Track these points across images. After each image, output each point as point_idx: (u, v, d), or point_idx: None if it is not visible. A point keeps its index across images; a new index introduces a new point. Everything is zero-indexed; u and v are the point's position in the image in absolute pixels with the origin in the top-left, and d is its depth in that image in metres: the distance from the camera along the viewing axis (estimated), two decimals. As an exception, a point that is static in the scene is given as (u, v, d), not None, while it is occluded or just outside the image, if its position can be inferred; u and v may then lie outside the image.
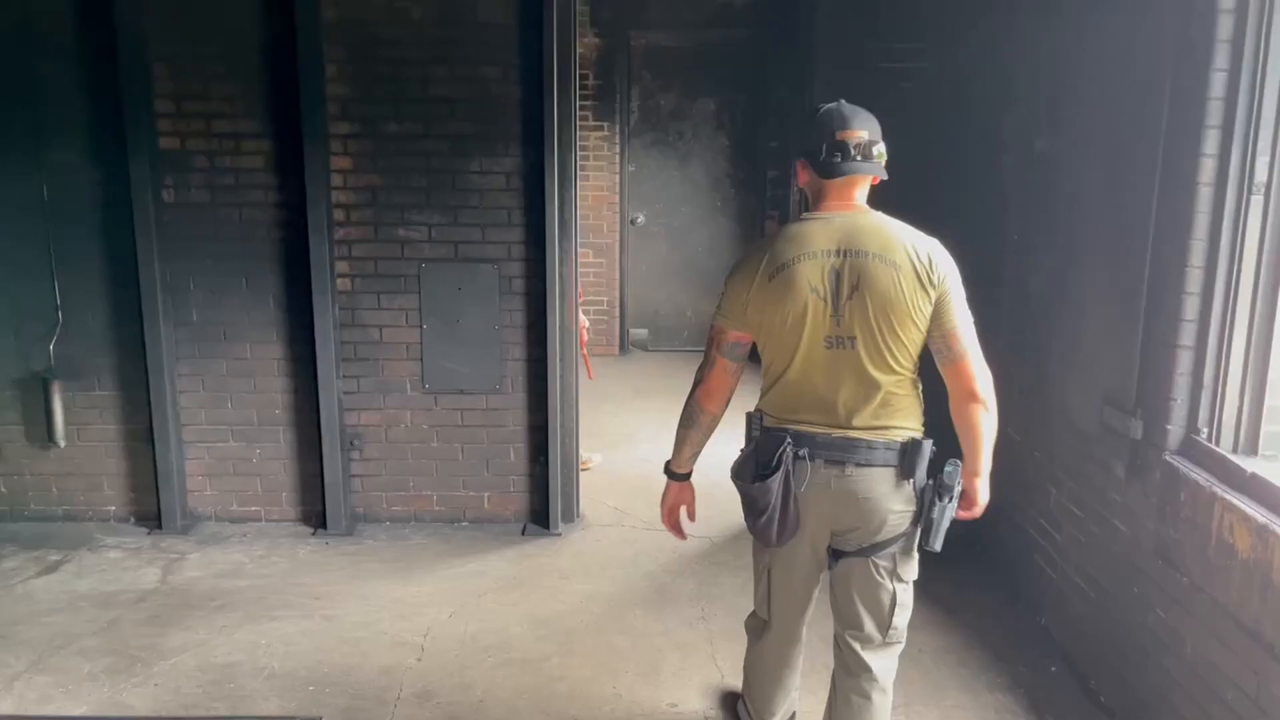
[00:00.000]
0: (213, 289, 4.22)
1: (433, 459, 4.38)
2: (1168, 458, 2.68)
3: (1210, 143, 2.51)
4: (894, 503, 2.25)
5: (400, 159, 4.12)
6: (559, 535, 4.34)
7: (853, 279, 2.16)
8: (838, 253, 2.18)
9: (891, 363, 2.19)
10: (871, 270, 2.15)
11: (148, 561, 4.04)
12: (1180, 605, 2.60)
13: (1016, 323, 3.77)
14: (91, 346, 4.27)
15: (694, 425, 2.43)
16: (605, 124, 7.46)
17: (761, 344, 2.31)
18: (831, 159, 2.19)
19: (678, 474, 2.52)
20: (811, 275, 2.18)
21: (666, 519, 2.56)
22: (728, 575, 3.93)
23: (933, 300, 2.17)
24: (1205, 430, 2.62)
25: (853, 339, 2.18)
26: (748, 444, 2.37)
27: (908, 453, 2.23)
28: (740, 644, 2.81)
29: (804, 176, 2.30)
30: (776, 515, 2.25)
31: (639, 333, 7.91)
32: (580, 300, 4.61)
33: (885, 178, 2.26)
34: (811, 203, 2.31)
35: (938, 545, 2.27)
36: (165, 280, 4.16)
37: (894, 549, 2.29)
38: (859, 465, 2.22)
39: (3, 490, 4.38)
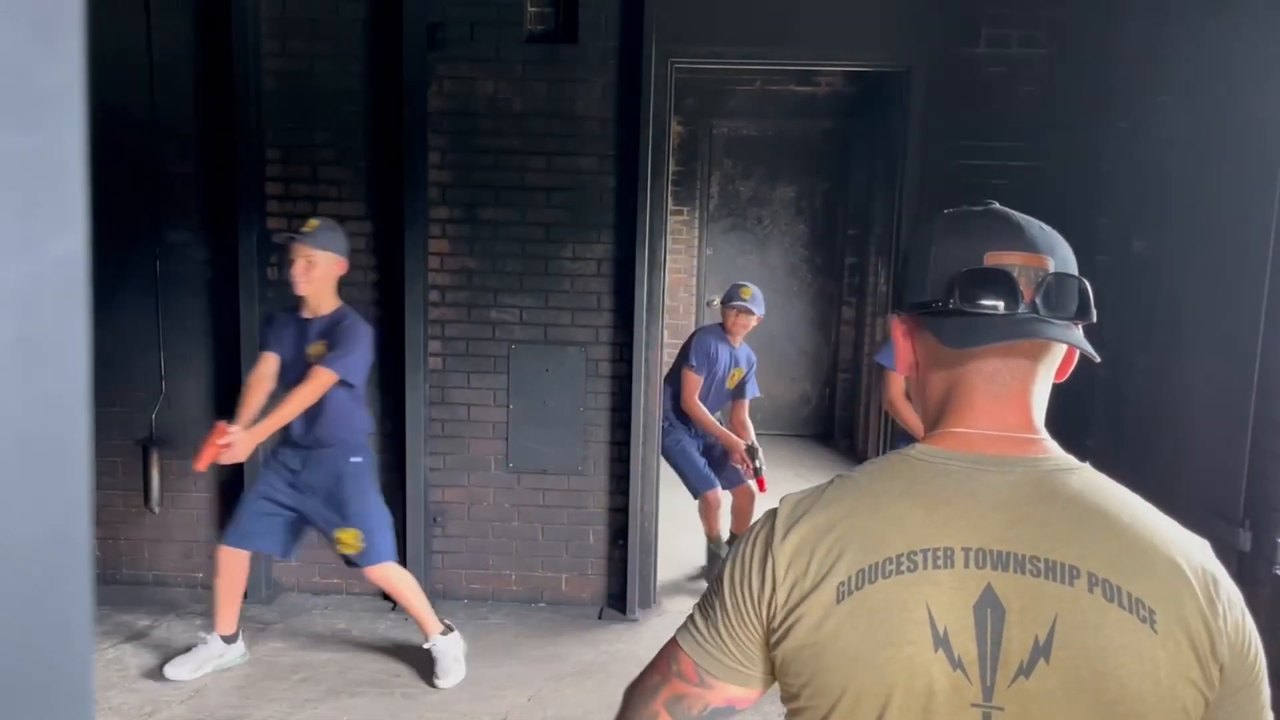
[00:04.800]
0: (309, 364, 4.35)
1: (513, 538, 4.41)
2: (1279, 572, 2.59)
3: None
4: None
5: (496, 244, 4.24)
6: (636, 621, 4.31)
7: (1035, 628, 0.91)
8: (1001, 559, 0.93)
9: None
10: (1087, 616, 0.90)
11: (233, 630, 4.11)
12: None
13: (1109, 426, 3.71)
14: (190, 416, 4.41)
15: None
16: (685, 208, 7.59)
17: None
18: (967, 309, 0.98)
19: None
20: (939, 606, 0.93)
21: None
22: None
23: (1217, 687, 0.92)
24: (1321, 546, 2.54)
25: None
26: None
27: None
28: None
29: (905, 351, 1.08)
30: None
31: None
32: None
33: (1096, 357, 1.01)
34: (925, 410, 1.08)
35: None
36: (265, 354, 4.30)
37: None
38: None
39: (98, 554, 4.51)
